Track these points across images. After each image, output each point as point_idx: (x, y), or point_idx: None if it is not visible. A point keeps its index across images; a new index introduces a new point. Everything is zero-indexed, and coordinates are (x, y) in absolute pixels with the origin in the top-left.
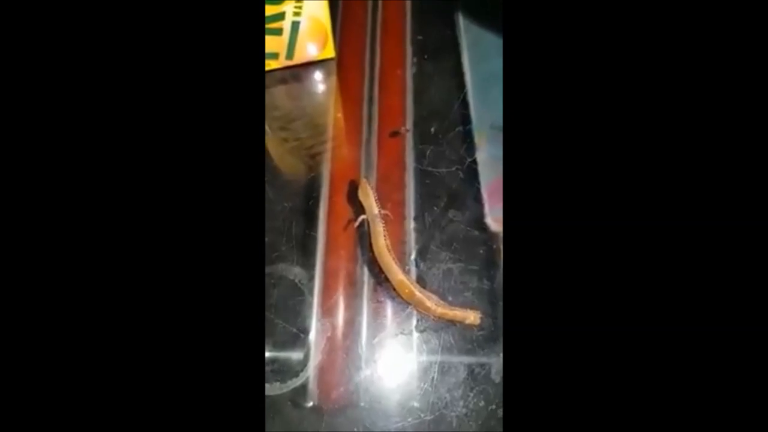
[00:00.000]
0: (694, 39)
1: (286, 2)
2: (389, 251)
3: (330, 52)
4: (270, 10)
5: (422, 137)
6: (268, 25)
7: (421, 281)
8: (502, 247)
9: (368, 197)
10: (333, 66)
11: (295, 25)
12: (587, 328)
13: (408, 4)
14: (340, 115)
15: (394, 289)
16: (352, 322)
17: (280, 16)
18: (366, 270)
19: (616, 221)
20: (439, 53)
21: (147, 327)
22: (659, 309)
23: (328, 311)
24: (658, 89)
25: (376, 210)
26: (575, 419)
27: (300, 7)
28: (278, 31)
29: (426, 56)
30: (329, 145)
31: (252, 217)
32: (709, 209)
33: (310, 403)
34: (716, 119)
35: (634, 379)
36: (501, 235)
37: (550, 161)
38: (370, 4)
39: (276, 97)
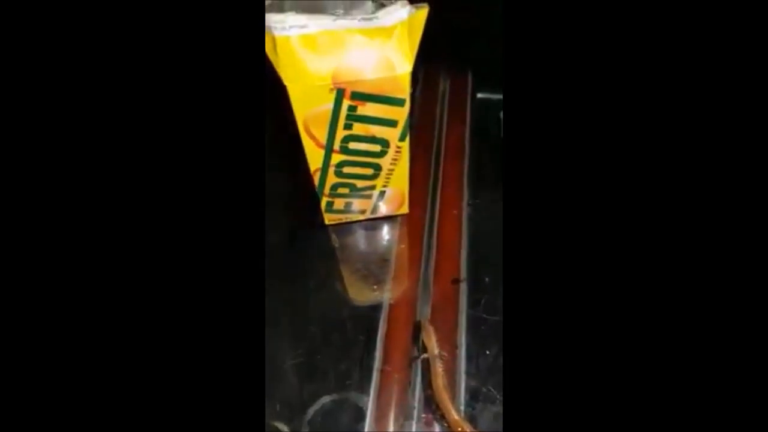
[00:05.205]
0: (696, 33)
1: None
2: (446, 390)
3: (405, 210)
4: (361, 183)
5: (476, 286)
6: (359, 191)
7: (472, 422)
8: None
9: (431, 339)
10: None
11: (382, 193)
12: (587, 328)
13: (465, 166)
14: (403, 246)
15: (449, 426)
16: None
17: (371, 188)
18: (422, 404)
19: (616, 221)
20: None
21: (148, 342)
22: (660, 309)
23: None
24: (660, 89)
25: (436, 351)
26: (576, 421)
27: (388, 181)
28: (368, 197)
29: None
30: (391, 275)
31: (252, 224)
32: (710, 209)
33: None
34: (720, 118)
35: (635, 380)
36: None
37: (551, 163)
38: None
39: (357, 241)
